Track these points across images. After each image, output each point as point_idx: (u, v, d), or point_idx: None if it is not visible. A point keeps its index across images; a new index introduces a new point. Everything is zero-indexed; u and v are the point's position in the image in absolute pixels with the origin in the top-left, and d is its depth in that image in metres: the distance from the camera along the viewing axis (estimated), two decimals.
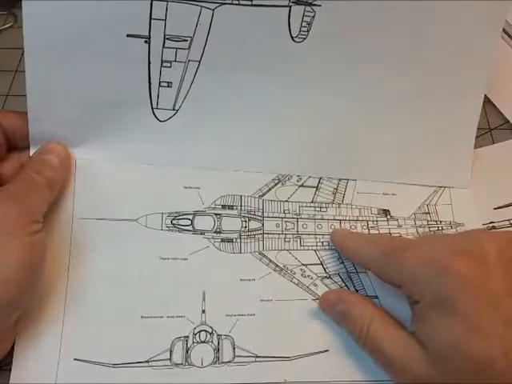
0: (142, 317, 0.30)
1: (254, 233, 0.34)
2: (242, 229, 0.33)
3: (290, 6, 0.30)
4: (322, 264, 0.34)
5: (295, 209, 0.35)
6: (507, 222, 0.35)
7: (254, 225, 0.34)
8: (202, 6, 0.30)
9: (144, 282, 0.31)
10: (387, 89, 0.34)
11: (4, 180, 0.32)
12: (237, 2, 0.30)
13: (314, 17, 0.31)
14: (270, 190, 0.35)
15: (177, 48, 0.31)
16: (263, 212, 0.34)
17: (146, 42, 0.30)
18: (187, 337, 0.30)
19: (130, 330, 0.30)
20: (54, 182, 0.31)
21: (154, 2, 0.29)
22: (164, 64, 0.31)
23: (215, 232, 0.33)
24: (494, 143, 0.39)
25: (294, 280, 0.33)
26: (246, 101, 0.33)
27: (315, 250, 0.34)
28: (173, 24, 0.30)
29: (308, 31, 0.31)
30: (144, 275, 0.31)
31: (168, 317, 0.31)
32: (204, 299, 0.31)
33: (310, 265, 0.33)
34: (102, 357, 0.29)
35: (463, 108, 0.35)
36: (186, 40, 0.31)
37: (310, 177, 0.36)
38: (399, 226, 0.35)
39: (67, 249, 0.31)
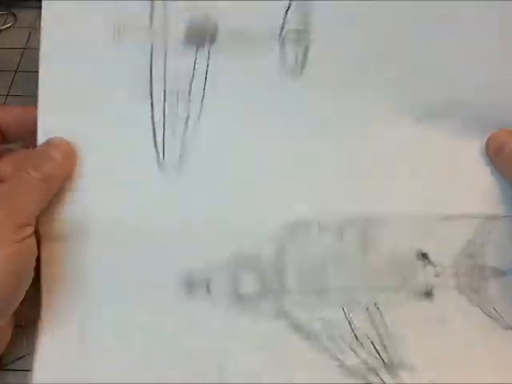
0: None
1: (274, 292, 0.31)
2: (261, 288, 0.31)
3: (282, 42, 0.31)
4: (350, 325, 0.30)
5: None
6: None
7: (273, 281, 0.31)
8: (196, 56, 0.31)
9: None
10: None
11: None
12: (230, 44, 0.31)
13: (307, 49, 0.31)
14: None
15: (178, 99, 0.32)
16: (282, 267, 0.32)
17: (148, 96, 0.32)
18: None
19: None
20: (51, 177, 0.29)
21: (153, 55, 0.31)
22: (166, 118, 0.32)
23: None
24: None
25: (319, 344, 0.30)
26: (252, 143, 0.32)
27: (342, 308, 0.31)
28: (171, 76, 0.31)
29: (304, 64, 0.31)
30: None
31: None
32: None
33: (337, 324, 0.30)
34: None
35: None
36: (185, 92, 0.32)
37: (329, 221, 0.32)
38: (437, 276, 0.31)
39: None
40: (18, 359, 0.31)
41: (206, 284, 0.31)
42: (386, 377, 0.29)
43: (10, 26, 0.41)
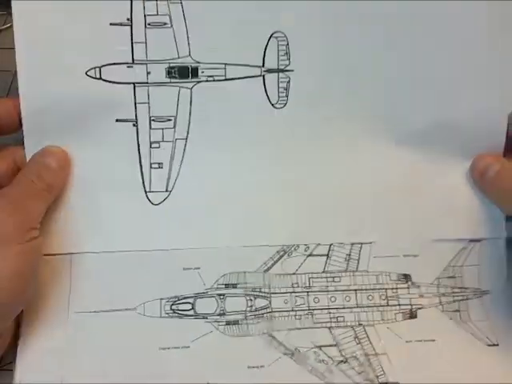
0: None
1: (262, 312, 0.31)
2: (248, 308, 0.31)
3: (263, 76, 0.32)
4: (337, 345, 0.31)
5: (305, 281, 0.32)
6: None
7: (260, 303, 0.32)
8: (180, 87, 0.32)
9: (144, 376, 0.30)
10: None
11: None
12: (211, 79, 0.32)
13: (289, 82, 0.32)
14: (275, 262, 0.33)
15: (163, 128, 0.32)
16: (270, 288, 0.32)
17: (133, 125, 0.32)
18: None
19: None
20: (52, 186, 0.31)
21: (136, 88, 0.31)
22: (153, 145, 0.32)
23: (219, 315, 0.31)
24: None
25: (307, 366, 0.30)
26: (239, 173, 0.33)
27: (329, 328, 0.31)
28: (156, 105, 0.32)
29: (287, 96, 0.32)
30: (144, 368, 0.30)
31: None
32: None
33: (325, 346, 0.31)
34: None
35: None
36: (171, 119, 0.32)
37: (318, 244, 0.33)
38: (421, 296, 0.32)
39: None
40: None
41: (192, 304, 0.32)
42: None
43: (10, 26, 0.40)
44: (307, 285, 0.32)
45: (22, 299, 0.28)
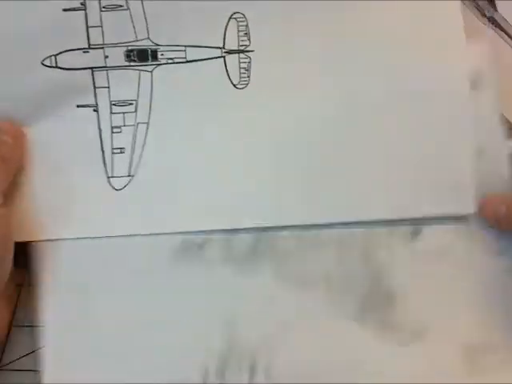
0: None
1: None
2: None
3: (224, 57, 0.32)
4: None
5: None
6: None
7: None
8: (139, 70, 0.31)
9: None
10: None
11: None
12: (171, 61, 0.31)
13: (250, 62, 0.32)
14: None
15: (124, 112, 0.32)
16: None
17: (94, 110, 0.32)
18: None
19: None
20: (8, 159, 0.31)
21: (94, 73, 0.31)
22: (114, 130, 0.32)
23: None
24: None
25: None
26: (201, 157, 0.32)
27: None
28: (116, 90, 0.31)
29: (248, 77, 0.32)
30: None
31: None
32: None
33: None
34: None
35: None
36: (132, 103, 0.32)
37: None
38: None
39: None
40: (18, 359, 0.32)
41: None
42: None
43: None
44: None
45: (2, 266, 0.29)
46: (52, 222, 0.32)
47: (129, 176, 0.32)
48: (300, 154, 0.32)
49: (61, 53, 0.31)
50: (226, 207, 0.32)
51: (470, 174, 0.31)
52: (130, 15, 0.31)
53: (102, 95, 0.32)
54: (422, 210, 0.32)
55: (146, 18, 0.31)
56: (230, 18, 0.31)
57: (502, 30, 0.37)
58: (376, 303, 0.31)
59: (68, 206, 0.32)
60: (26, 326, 0.33)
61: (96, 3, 0.30)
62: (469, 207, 0.31)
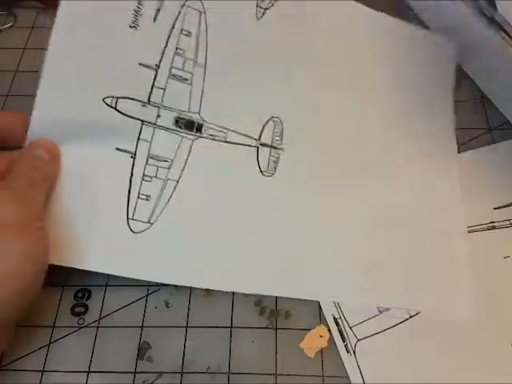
0: None
1: None
2: None
3: (258, 147, 0.36)
4: None
5: None
6: (507, 222, 0.35)
7: None
8: (182, 136, 0.35)
9: None
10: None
11: None
12: (212, 138, 0.35)
13: (278, 157, 0.36)
14: None
15: (158, 166, 0.34)
16: None
17: (131, 157, 0.34)
18: None
19: None
20: (48, 176, 0.32)
21: (143, 126, 0.34)
22: (145, 178, 0.34)
23: None
24: (494, 143, 0.39)
25: None
26: (217, 224, 0.35)
27: None
28: (157, 146, 0.34)
29: (275, 168, 0.36)
30: None
31: None
32: None
33: None
34: None
35: None
36: (167, 161, 0.35)
37: None
38: None
39: None
40: (18, 359, 0.31)
41: None
42: None
43: (10, 26, 0.41)
44: None
45: (32, 288, 0.28)
46: (73, 249, 0.32)
47: (148, 223, 0.34)
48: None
49: (123, 98, 0.33)
50: (224, 271, 0.34)
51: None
52: (191, 90, 0.35)
53: (143, 146, 0.34)
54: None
55: (202, 97, 0.35)
56: (270, 119, 0.37)
57: (503, 30, 0.37)
58: None
59: (89, 236, 0.33)
60: (26, 326, 0.32)
61: (167, 70, 0.34)
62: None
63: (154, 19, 0.34)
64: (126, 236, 0.33)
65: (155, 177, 0.34)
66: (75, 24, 0.32)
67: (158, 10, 0.34)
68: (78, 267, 0.32)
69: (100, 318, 0.33)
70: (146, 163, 0.34)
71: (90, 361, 0.31)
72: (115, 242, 0.33)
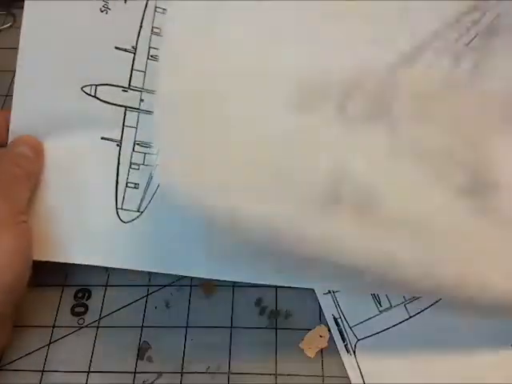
0: None
1: None
2: None
3: None
4: None
5: None
6: None
7: None
8: None
9: None
10: None
11: None
12: None
13: None
14: None
15: (145, 153, 0.33)
16: None
17: (117, 145, 0.33)
18: None
19: None
20: (31, 173, 0.32)
21: (127, 112, 0.33)
22: (132, 166, 0.33)
23: None
24: None
25: None
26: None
27: None
28: (143, 132, 0.33)
29: None
30: None
31: None
32: None
33: None
34: None
35: None
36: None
37: None
38: None
39: None
40: (18, 359, 0.31)
41: None
42: None
43: (9, 26, 0.41)
44: None
45: (22, 280, 0.29)
46: (62, 244, 0.32)
47: (138, 211, 0.33)
48: None
49: (102, 85, 0.32)
50: (223, 258, 0.33)
51: None
52: None
53: (129, 134, 0.33)
54: None
55: None
56: None
57: None
58: None
59: (77, 229, 0.33)
60: (26, 326, 0.32)
61: (145, 51, 0.33)
62: None
63: (125, 0, 0.32)
64: (116, 226, 0.33)
65: (143, 164, 0.33)
66: (44, 16, 0.31)
67: None
68: (68, 261, 0.32)
69: (100, 318, 0.33)
70: (133, 150, 0.33)
71: (90, 361, 0.31)
72: (105, 232, 0.33)
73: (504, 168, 0.30)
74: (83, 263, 0.32)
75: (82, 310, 0.33)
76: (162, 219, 0.33)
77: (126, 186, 0.33)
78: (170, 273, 0.33)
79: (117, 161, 0.33)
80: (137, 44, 0.32)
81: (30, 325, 0.32)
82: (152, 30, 0.33)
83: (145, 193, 0.33)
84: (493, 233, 0.29)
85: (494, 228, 0.29)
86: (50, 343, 0.32)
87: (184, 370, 0.31)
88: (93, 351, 0.32)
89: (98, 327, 0.32)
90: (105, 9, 0.32)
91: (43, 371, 0.31)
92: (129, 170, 0.33)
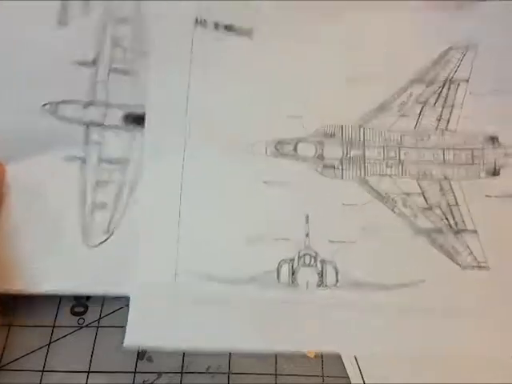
0: (247, 237, 0.31)
1: (356, 160, 0.34)
2: (344, 156, 0.33)
3: None
4: (423, 195, 0.33)
5: (397, 138, 0.34)
6: None
7: (355, 152, 0.34)
8: (134, 133, 0.32)
9: (249, 205, 0.32)
10: None
11: None
12: None
13: None
14: (371, 119, 0.34)
15: (111, 170, 0.32)
16: (364, 140, 0.34)
17: (82, 163, 0.32)
18: (292, 259, 0.31)
19: (236, 250, 0.31)
20: None
21: (90, 128, 0.31)
22: (99, 184, 0.32)
23: (317, 158, 0.33)
24: None
25: (396, 209, 0.33)
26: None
27: (417, 179, 0.33)
28: (108, 147, 0.32)
29: None
30: (249, 198, 0.32)
31: (273, 239, 0.31)
32: (307, 222, 0.32)
33: (412, 194, 0.33)
34: (214, 272, 0.31)
35: None
36: (121, 163, 0.32)
37: (412, 106, 0.35)
38: (506, 155, 0.34)
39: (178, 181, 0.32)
40: (18, 359, 0.31)
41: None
42: (450, 236, 0.33)
43: None
44: (399, 141, 0.34)
45: None
46: (24, 272, 0.31)
47: (107, 233, 0.31)
48: None
49: (63, 102, 0.31)
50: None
51: None
52: (136, 81, 0.32)
53: (93, 150, 0.32)
54: None
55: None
56: None
57: None
58: None
59: (43, 255, 0.31)
60: (26, 326, 0.32)
61: (107, 64, 0.31)
62: None
63: (84, 12, 0.30)
64: (84, 250, 0.31)
65: (110, 181, 0.31)
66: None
67: (87, 2, 0.30)
68: (32, 291, 0.31)
69: (100, 318, 0.33)
70: (99, 167, 0.32)
71: (90, 361, 0.31)
72: (72, 257, 0.31)
73: None
74: (49, 292, 0.31)
75: (81, 310, 0.33)
76: (134, 239, 0.31)
77: (93, 206, 0.31)
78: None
79: (82, 180, 0.31)
80: (97, 57, 0.32)
81: (29, 325, 0.32)
82: (113, 42, 0.32)
83: (114, 212, 0.32)
84: None
85: None
86: (50, 343, 0.32)
87: (184, 370, 0.31)
88: (93, 351, 0.32)
89: (98, 327, 0.32)
90: (63, 22, 0.31)
91: (43, 371, 0.31)
92: (95, 189, 0.32)
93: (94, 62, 0.31)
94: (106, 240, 0.31)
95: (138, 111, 0.32)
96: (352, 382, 0.30)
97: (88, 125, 0.32)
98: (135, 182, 0.32)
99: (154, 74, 0.32)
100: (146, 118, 0.32)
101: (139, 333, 0.30)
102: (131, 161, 0.32)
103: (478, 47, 0.35)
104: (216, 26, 0.33)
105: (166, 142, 0.32)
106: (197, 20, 0.33)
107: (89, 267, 0.31)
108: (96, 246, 0.31)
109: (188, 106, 0.33)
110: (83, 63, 0.31)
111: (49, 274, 0.31)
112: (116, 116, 0.32)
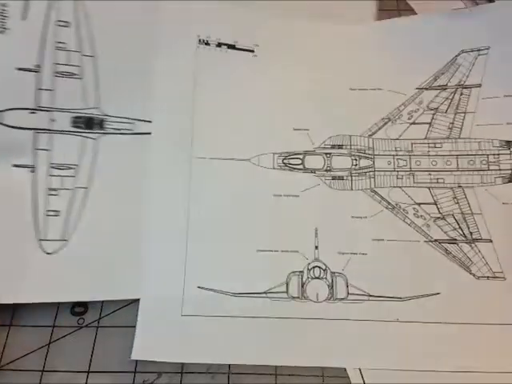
0: (257, 250, 0.31)
1: (365, 170, 0.33)
2: (353, 167, 0.33)
3: None
4: (435, 203, 0.33)
5: (407, 146, 0.33)
6: None
7: (364, 163, 0.33)
8: (84, 137, 0.31)
9: (259, 218, 0.32)
10: None
11: None
12: (118, 132, 0.32)
13: None
14: (379, 128, 0.34)
15: (63, 176, 0.31)
16: (373, 150, 0.33)
17: (31, 171, 0.31)
18: (302, 272, 0.31)
19: (247, 262, 0.31)
20: None
21: (38, 134, 0.31)
22: (51, 192, 0.31)
23: (325, 170, 0.33)
24: None
25: (407, 220, 0.32)
26: (140, 224, 0.32)
27: (429, 188, 0.33)
28: (58, 153, 0.31)
29: None
30: (259, 211, 0.32)
31: (282, 251, 0.31)
32: (317, 235, 0.31)
33: (424, 204, 0.32)
34: (222, 286, 0.31)
35: None
36: (73, 168, 0.31)
37: (423, 113, 0.34)
38: None
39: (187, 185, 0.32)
40: (18, 359, 0.32)
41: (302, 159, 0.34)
42: (464, 247, 0.32)
43: None
44: (409, 149, 0.34)
45: None
46: None
47: (63, 240, 0.31)
48: None
49: (7, 110, 0.30)
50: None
51: None
52: (83, 84, 0.31)
53: (42, 157, 0.31)
54: None
55: (98, 89, 0.31)
56: None
57: None
58: None
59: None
60: (26, 326, 0.32)
61: (50, 68, 0.30)
62: None
63: (23, 17, 0.29)
64: (40, 259, 0.31)
65: (62, 188, 0.31)
66: None
67: (26, 7, 0.29)
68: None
69: (100, 318, 0.33)
70: (49, 174, 0.31)
71: (90, 361, 0.31)
72: (28, 266, 0.31)
73: None
74: (9, 302, 0.30)
75: (81, 310, 0.33)
76: (88, 247, 0.31)
77: (46, 214, 0.31)
78: (105, 299, 0.32)
79: (32, 188, 0.31)
80: (40, 62, 0.30)
81: (30, 325, 0.32)
82: (56, 46, 0.30)
83: (68, 219, 0.31)
84: None
85: None
86: (50, 343, 0.32)
87: (184, 370, 0.31)
88: (93, 351, 0.32)
89: (98, 327, 0.32)
90: (2, 29, 0.29)
91: (43, 371, 0.31)
92: (47, 197, 0.31)
93: (38, 67, 0.31)
94: (61, 248, 0.31)
95: (88, 114, 0.32)
96: (352, 382, 0.30)
97: (36, 131, 0.31)
98: (89, 187, 0.31)
99: (159, 91, 0.33)
100: (153, 133, 0.32)
101: (146, 347, 0.30)
102: (83, 166, 0.32)
103: (490, 50, 0.34)
104: (219, 44, 0.34)
105: (172, 157, 0.33)
106: (200, 40, 0.34)
107: (47, 275, 0.31)
108: (52, 254, 0.31)
109: (193, 121, 0.33)
110: (26, 69, 0.31)
111: (5, 284, 0.31)
112: (64, 121, 0.31)
